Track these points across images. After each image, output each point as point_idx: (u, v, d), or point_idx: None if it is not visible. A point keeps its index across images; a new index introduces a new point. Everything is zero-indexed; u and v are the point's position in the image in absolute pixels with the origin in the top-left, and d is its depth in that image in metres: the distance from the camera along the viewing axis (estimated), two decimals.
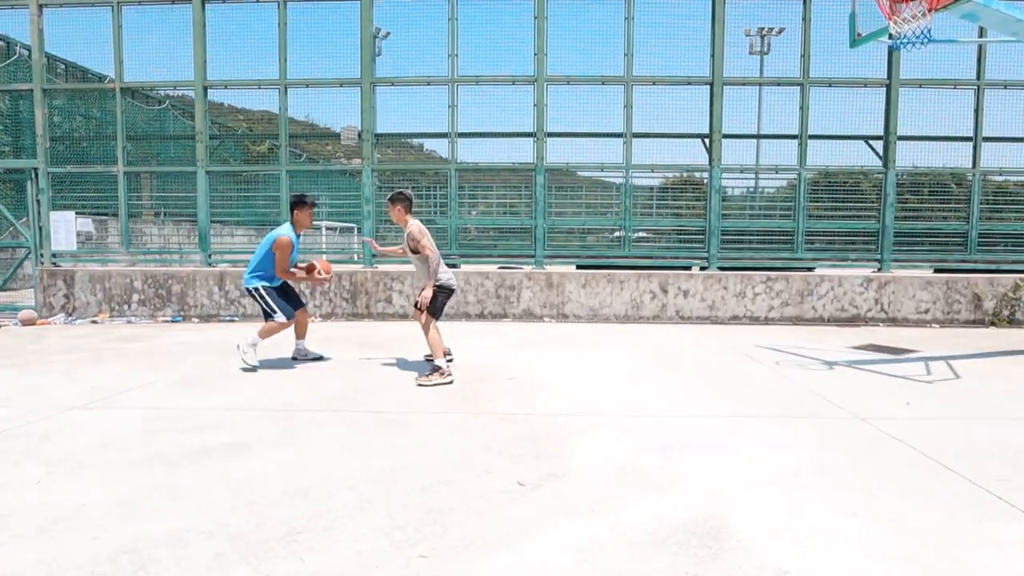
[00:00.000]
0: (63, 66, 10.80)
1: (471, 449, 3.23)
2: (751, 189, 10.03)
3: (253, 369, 5.24)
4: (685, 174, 9.74)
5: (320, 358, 5.77)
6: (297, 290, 6.14)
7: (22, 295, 9.93)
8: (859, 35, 5.73)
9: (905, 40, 4.79)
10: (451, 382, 4.78)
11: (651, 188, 9.95)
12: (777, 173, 9.47)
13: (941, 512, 2.55)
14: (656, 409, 4.13)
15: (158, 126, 11.77)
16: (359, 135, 9.33)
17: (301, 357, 5.77)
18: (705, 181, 9.23)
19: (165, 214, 10.56)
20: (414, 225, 5.14)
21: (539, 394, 4.50)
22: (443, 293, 5.18)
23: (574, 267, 9.22)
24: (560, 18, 9.25)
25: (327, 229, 14.77)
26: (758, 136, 9.73)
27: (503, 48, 9.59)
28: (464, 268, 9.18)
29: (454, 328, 8.08)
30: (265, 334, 5.40)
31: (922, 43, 4.76)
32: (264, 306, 5.48)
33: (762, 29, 22.19)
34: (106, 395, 4.38)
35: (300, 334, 5.82)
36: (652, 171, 9.32)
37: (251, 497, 2.60)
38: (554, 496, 2.63)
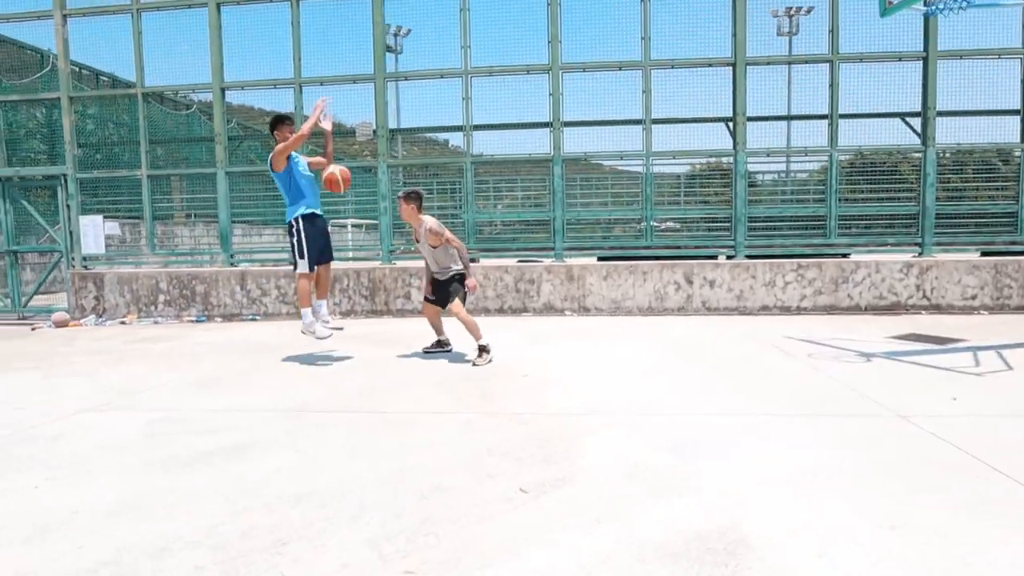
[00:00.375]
0: (93, 74, 11.00)
1: (477, 451, 3.10)
2: (782, 173, 9.66)
3: (331, 333, 5.56)
4: (710, 160, 9.42)
5: (340, 328, 5.70)
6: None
7: (58, 298, 10.14)
8: (890, 2, 5.37)
9: (941, 5, 4.45)
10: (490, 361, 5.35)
11: (675, 176, 9.66)
12: (807, 155, 9.09)
13: (991, 523, 2.31)
14: (671, 407, 3.94)
15: (186, 129, 11.90)
16: (373, 131, 9.26)
17: (306, 329, 5.58)
18: (731, 166, 8.89)
19: (195, 215, 10.65)
20: (431, 220, 5.38)
21: (552, 391, 4.35)
22: (458, 280, 5.55)
23: (595, 259, 9.00)
24: (574, 3, 9.01)
25: (352, 227, 14.79)
26: (785, 117, 9.37)
27: (516, 37, 9.40)
28: (483, 262, 9.05)
29: (478, 322, 7.96)
30: (305, 301, 5.40)
31: (960, 7, 4.42)
32: (295, 245, 5.36)
33: (789, 9, 21.51)
34: (121, 397, 4.39)
35: (321, 293, 5.71)
36: (674, 158, 9.03)
37: (245, 503, 2.52)
38: (558, 503, 2.48)
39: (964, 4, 4.41)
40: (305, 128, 5.36)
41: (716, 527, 2.26)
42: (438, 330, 5.90)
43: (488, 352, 5.39)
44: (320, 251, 5.49)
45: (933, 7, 4.61)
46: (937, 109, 8.43)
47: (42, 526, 2.36)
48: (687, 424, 3.55)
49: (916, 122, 8.61)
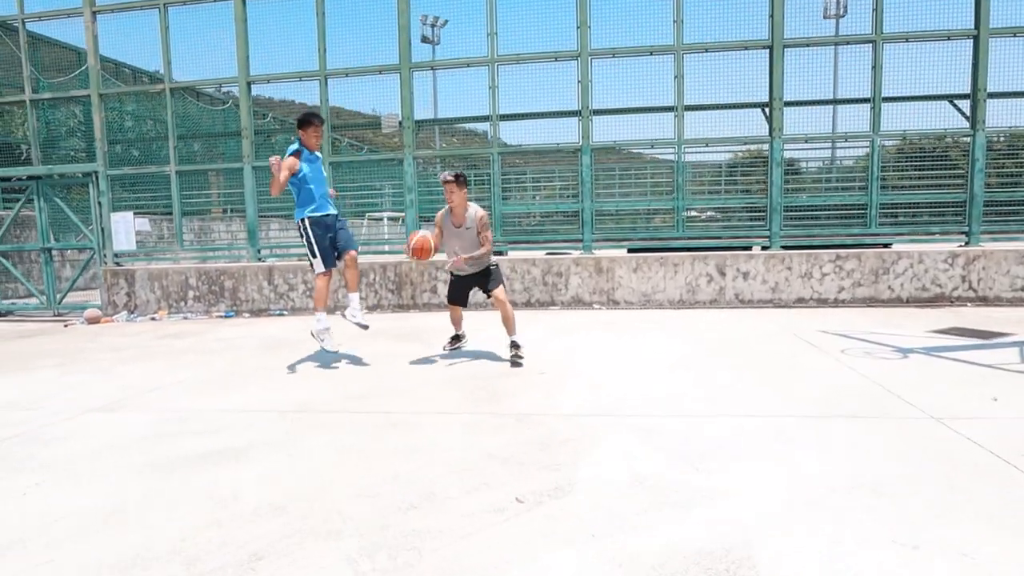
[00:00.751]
0: (132, 72, 11.22)
1: (477, 456, 2.96)
2: (825, 160, 9.22)
3: (338, 349, 5.32)
4: (750, 148, 9.04)
5: (365, 327, 5.48)
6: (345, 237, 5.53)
7: (95, 295, 10.43)
8: None
9: None
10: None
11: (711, 164, 9.34)
12: (847, 141, 8.66)
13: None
14: (691, 407, 3.73)
15: (222, 124, 12.04)
16: (399, 123, 9.19)
17: (349, 318, 5.39)
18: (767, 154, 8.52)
19: (231, 210, 10.77)
20: (484, 211, 5.21)
21: (567, 390, 4.19)
22: (494, 267, 5.43)
23: (625, 251, 8.76)
24: None
25: (388, 220, 14.76)
26: (825, 102, 8.91)
27: (544, 23, 9.16)
28: (510, 255, 8.91)
29: (495, 318, 7.84)
30: (319, 301, 5.26)
31: None
32: (307, 245, 5.27)
33: None
34: (131, 395, 4.40)
35: (351, 286, 5.43)
36: (707, 145, 8.70)
37: (227, 512, 2.44)
38: (552, 517, 2.32)
39: None
40: (280, 180, 5.02)
41: (722, 547, 2.07)
42: (458, 325, 5.72)
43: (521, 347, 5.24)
44: (332, 247, 5.35)
45: None
46: (988, 91, 7.92)
47: (17, 538, 2.30)
48: (705, 427, 3.34)
49: (965, 105, 8.10)
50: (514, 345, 5.19)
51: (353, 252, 5.41)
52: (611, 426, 3.39)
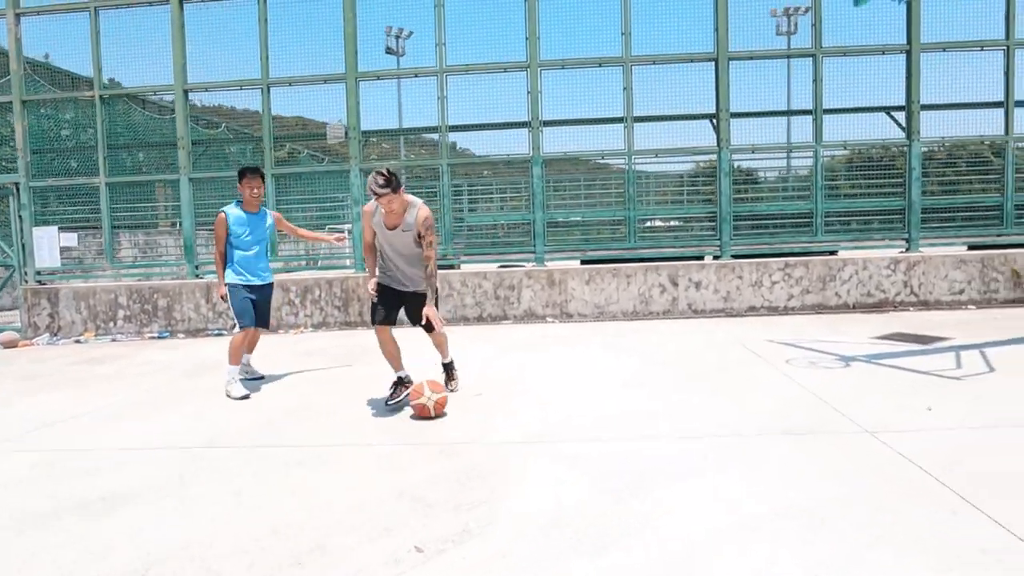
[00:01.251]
0: (68, 77, 10.61)
1: (386, 495, 2.72)
2: (773, 170, 9.28)
3: (246, 395, 4.71)
4: (697, 160, 9.01)
5: (261, 377, 5.24)
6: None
7: (15, 316, 9.81)
8: None
9: None
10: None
11: (664, 174, 9.30)
12: (791, 152, 8.75)
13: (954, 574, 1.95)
14: (629, 429, 3.57)
15: (173, 133, 11.48)
16: (345, 133, 8.91)
17: (245, 375, 5.24)
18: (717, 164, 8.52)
19: (181, 223, 10.25)
20: (428, 210, 4.13)
21: (506, 412, 4.00)
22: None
23: (578, 263, 8.64)
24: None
25: (348, 232, 14.33)
26: (770, 113, 8.97)
27: (495, 34, 9.03)
28: (462, 268, 8.70)
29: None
30: (233, 357, 4.88)
31: None
32: (230, 306, 5.01)
33: (788, 9, 21.41)
34: (26, 431, 4.02)
35: (248, 348, 5.34)
36: (656, 156, 8.67)
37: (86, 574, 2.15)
38: (452, 566, 2.10)
39: None
40: (218, 250, 4.96)
41: None
42: (397, 362, 4.34)
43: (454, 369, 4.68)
44: (251, 318, 5.00)
45: None
46: (921, 102, 8.13)
47: None
48: (641, 451, 3.18)
49: (902, 116, 8.28)
50: (448, 368, 4.66)
51: (262, 331, 5.27)
52: (543, 453, 3.20)
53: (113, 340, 8.18)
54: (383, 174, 3.79)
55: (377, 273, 4.28)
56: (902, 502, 2.48)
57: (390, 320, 4.25)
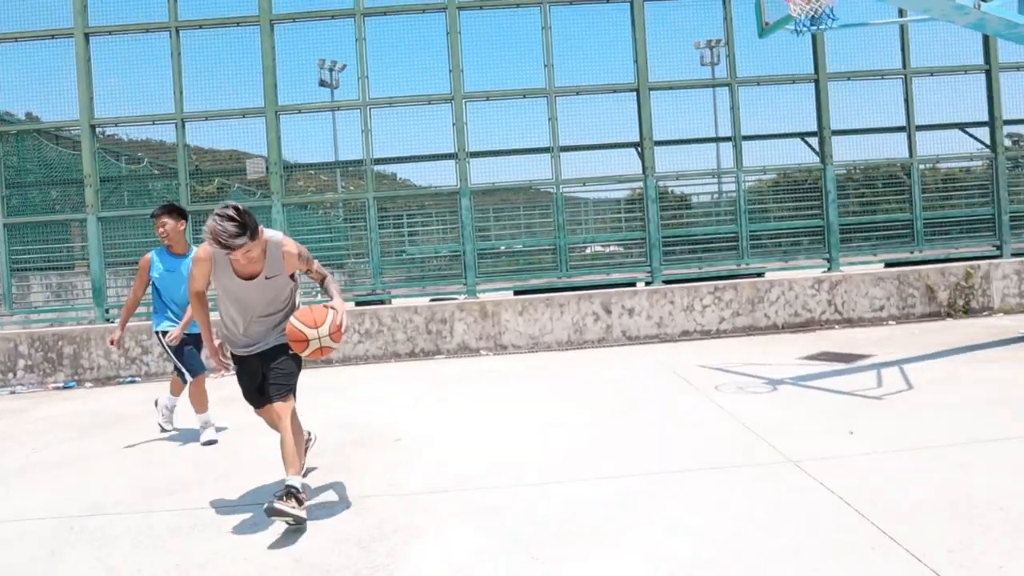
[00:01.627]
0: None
1: (277, 567, 2.46)
2: (711, 195, 9.50)
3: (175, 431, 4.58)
4: (622, 187, 9.13)
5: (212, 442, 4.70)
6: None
7: None
8: (766, 24, 5.25)
9: (807, 23, 4.31)
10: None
11: (595, 201, 9.39)
12: (714, 177, 9.01)
13: None
14: (549, 472, 3.43)
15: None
16: (266, 168, 8.62)
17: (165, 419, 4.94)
18: (643, 191, 8.66)
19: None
20: (287, 240, 3.11)
21: (420, 461, 3.77)
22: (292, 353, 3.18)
23: (511, 294, 8.55)
24: (475, 32, 8.71)
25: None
26: (692, 140, 9.21)
27: (418, 67, 8.99)
28: (393, 303, 8.47)
29: (374, 372, 7.34)
30: (199, 405, 4.61)
31: (826, 26, 4.30)
32: (170, 357, 4.65)
33: (711, 41, 22.38)
34: None
35: (178, 392, 4.96)
36: (584, 184, 8.75)
37: None
38: None
39: (829, 21, 4.28)
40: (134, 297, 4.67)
41: None
42: (295, 455, 3.04)
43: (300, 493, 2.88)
44: (201, 364, 4.71)
45: (799, 23, 4.48)
46: (832, 128, 8.57)
47: None
48: (558, 498, 3.04)
49: (815, 141, 8.67)
50: (290, 493, 2.83)
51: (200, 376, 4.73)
52: (451, 508, 2.99)
53: (12, 392, 7.51)
54: (233, 218, 2.75)
55: (218, 340, 3.31)
56: (823, 545, 2.40)
57: (268, 395, 3.22)
